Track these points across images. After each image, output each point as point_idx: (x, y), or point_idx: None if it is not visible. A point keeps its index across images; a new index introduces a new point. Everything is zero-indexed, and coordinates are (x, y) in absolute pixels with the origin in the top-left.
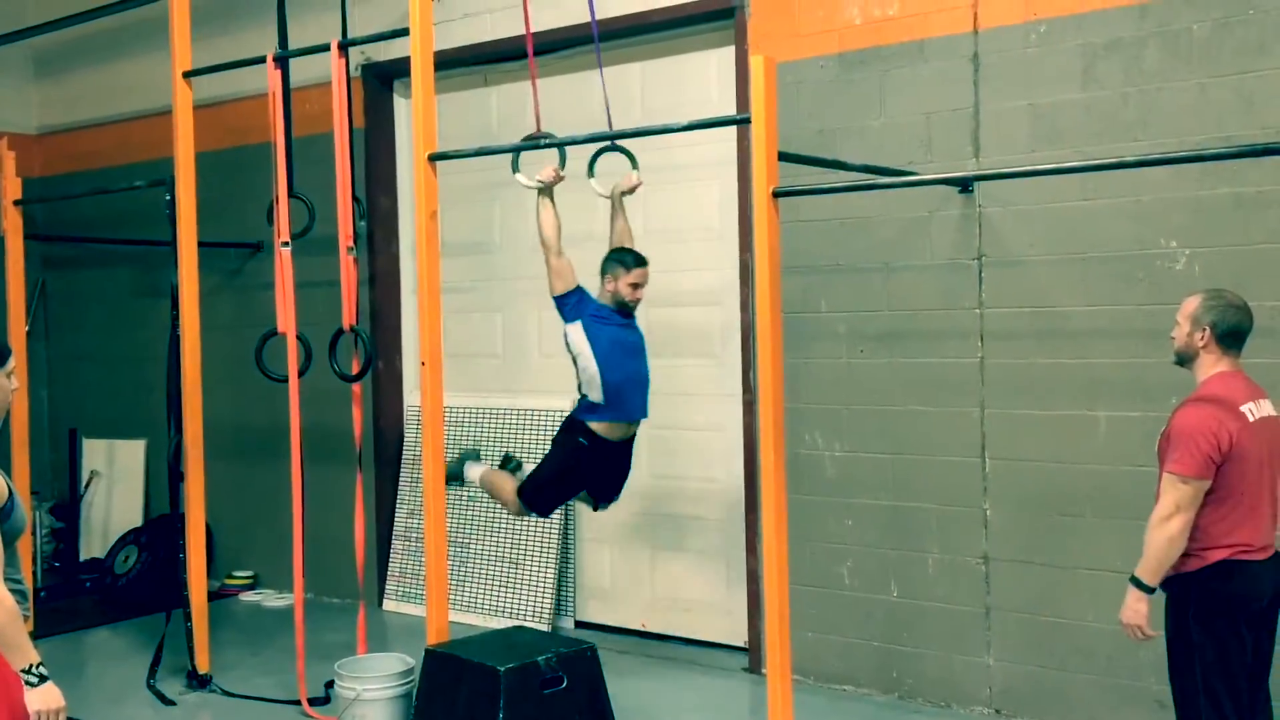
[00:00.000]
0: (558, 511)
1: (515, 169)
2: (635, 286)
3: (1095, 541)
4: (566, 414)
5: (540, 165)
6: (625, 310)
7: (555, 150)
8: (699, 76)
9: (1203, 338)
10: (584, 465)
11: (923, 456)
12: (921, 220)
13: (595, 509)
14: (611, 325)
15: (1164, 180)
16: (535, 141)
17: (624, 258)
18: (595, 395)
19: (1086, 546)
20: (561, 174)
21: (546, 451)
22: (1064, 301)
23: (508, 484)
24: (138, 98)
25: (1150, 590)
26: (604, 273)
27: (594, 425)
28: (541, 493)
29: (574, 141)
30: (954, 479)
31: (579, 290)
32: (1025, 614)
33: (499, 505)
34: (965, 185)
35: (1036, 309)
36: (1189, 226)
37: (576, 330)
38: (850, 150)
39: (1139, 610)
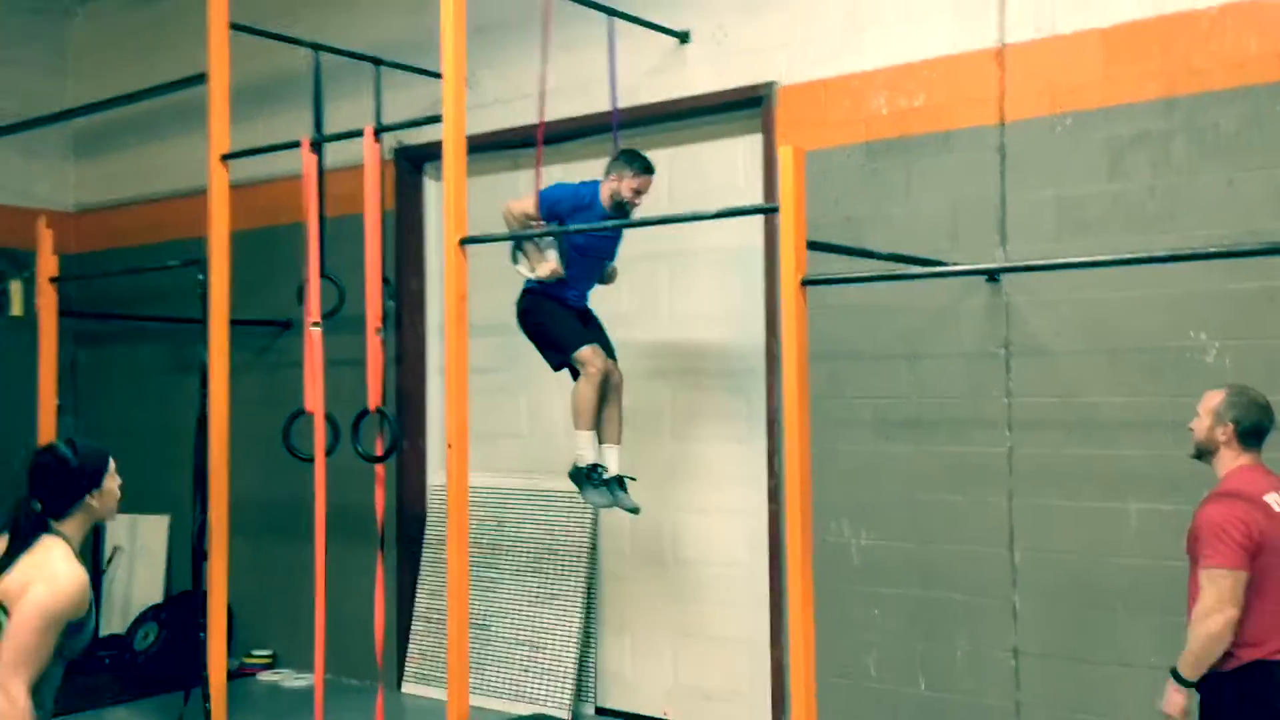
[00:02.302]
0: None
1: (514, 259)
2: (637, 192)
3: (1128, 636)
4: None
5: None
6: (620, 210)
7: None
8: (726, 163)
9: (1224, 433)
10: (560, 305)
11: (951, 546)
12: (948, 308)
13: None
14: (593, 217)
15: (1193, 273)
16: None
17: (633, 161)
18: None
19: (1119, 641)
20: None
21: (539, 330)
22: (1093, 392)
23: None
24: (172, 177)
25: (1189, 685)
26: (609, 171)
27: (538, 288)
28: (559, 337)
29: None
30: (982, 570)
31: (553, 198)
32: (1057, 711)
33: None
34: (992, 275)
35: (1065, 399)
36: (1219, 319)
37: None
38: (876, 238)
39: (1175, 702)
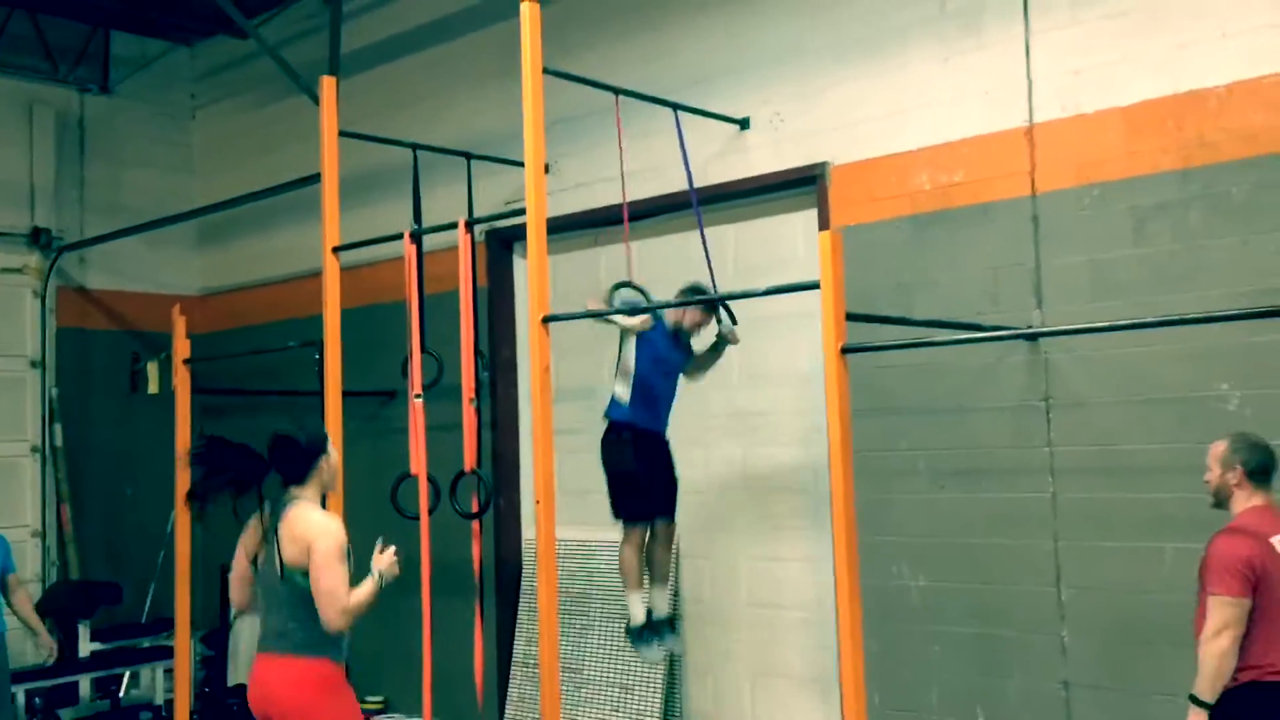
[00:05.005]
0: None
1: (610, 308)
2: (697, 325)
3: (1170, 667)
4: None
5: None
6: (680, 335)
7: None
8: (787, 235)
9: (1235, 476)
10: (634, 452)
11: (1002, 586)
12: (991, 366)
13: (654, 528)
14: (660, 343)
15: (1214, 328)
16: (639, 305)
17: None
18: (623, 392)
19: (1161, 672)
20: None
21: (608, 478)
22: (1127, 440)
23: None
24: (285, 262)
25: (1208, 706)
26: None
27: (622, 419)
28: (622, 500)
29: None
30: (1033, 608)
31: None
32: None
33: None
34: (1026, 336)
35: (1102, 447)
36: (1239, 370)
37: (631, 342)
38: (923, 301)
39: None
